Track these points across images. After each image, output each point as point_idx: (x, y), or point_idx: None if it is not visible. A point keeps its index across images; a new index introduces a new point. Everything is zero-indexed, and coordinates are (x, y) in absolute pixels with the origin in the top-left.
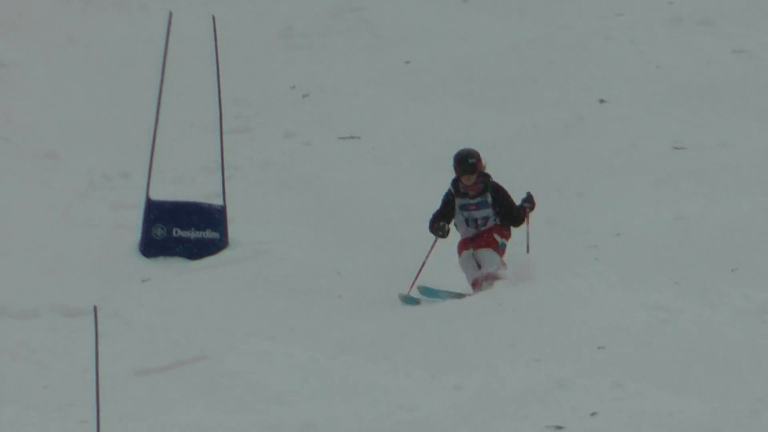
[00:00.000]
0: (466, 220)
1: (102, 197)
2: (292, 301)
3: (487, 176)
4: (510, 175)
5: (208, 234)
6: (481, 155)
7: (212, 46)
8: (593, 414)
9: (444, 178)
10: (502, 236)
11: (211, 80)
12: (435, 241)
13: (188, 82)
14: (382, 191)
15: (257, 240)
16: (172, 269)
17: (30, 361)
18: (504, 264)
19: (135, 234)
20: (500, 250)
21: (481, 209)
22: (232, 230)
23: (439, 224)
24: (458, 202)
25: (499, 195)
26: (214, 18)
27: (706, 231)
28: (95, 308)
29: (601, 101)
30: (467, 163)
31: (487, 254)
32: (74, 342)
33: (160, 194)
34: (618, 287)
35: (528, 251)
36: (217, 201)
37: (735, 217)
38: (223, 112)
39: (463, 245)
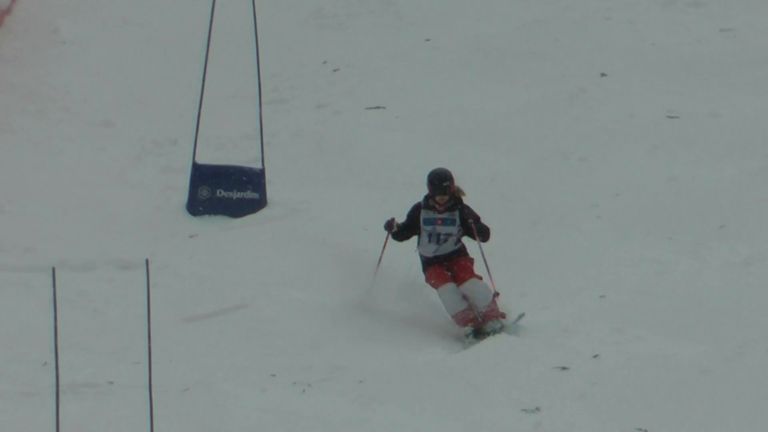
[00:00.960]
0: (429, 235)
1: (153, 162)
2: (323, 255)
3: (458, 199)
4: (519, 142)
5: (249, 194)
6: (454, 177)
7: (252, 26)
8: (595, 356)
9: (459, 144)
10: (471, 263)
11: (251, 56)
12: (387, 237)
13: (230, 58)
14: (405, 155)
15: (293, 200)
16: (216, 226)
17: (88, 309)
18: (495, 290)
19: (182, 194)
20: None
21: (445, 225)
22: (270, 191)
23: (394, 221)
24: (424, 214)
25: (468, 212)
26: (253, 1)
27: (696, 192)
28: (147, 261)
29: (602, 75)
30: (441, 185)
31: (477, 288)
32: (128, 292)
33: (205, 159)
34: (617, 242)
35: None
36: (256, 165)
37: (722, 179)
38: (261, 85)
39: (438, 275)
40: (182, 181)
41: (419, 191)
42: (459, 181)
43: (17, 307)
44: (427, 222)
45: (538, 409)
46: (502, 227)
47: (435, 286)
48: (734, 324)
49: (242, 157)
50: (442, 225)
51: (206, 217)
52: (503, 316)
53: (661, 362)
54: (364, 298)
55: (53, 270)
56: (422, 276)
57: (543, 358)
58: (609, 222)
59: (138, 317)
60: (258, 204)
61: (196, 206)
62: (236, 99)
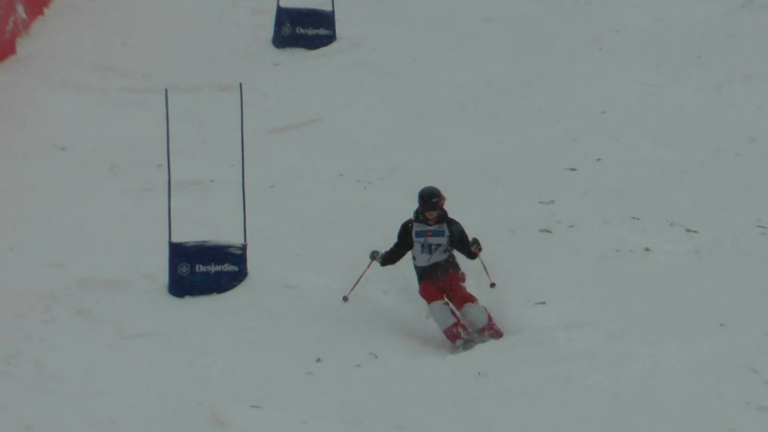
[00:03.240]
0: (422, 246)
1: (245, 5)
2: (381, 79)
3: (444, 212)
4: None
5: (322, 32)
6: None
7: None
8: (598, 159)
9: None
10: (462, 280)
11: None
12: (368, 266)
13: None
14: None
15: (357, 35)
16: (296, 56)
17: (194, 122)
18: (488, 312)
19: (269, 32)
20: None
21: (435, 236)
22: (339, 28)
23: (377, 253)
24: (416, 227)
25: (455, 228)
26: None
27: (679, 28)
28: (240, 85)
29: None
30: (431, 201)
31: (472, 312)
32: (225, 109)
33: (287, 4)
34: (615, 69)
35: (493, 286)
36: (327, 9)
37: (699, 18)
38: None
39: (431, 292)
40: (269, 21)
41: (459, 28)
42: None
43: (137, 121)
44: (419, 234)
45: (552, 201)
46: (522, 54)
47: (427, 301)
48: (709, 135)
49: (315, 2)
50: (433, 236)
51: (288, 49)
52: (500, 334)
53: (650, 164)
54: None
55: (166, 91)
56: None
57: (556, 161)
58: (609, 53)
59: (233, 129)
60: (330, 39)
61: (281, 40)
62: None
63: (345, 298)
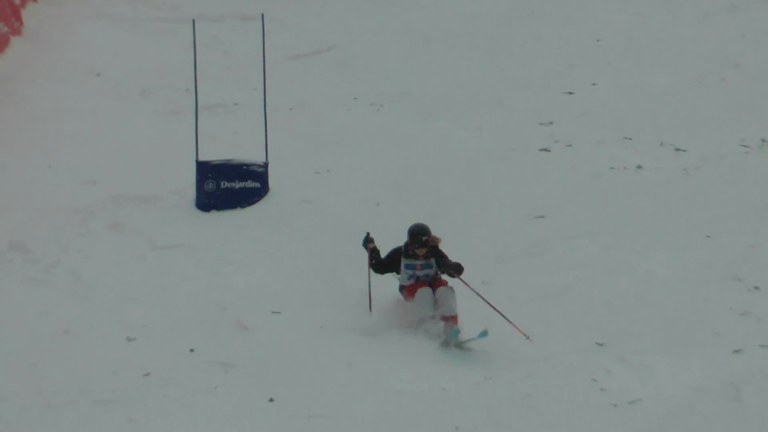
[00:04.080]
0: (409, 276)
1: None
2: (392, 10)
3: (435, 248)
4: None
5: None
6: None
7: None
8: (593, 84)
9: None
10: (444, 283)
11: None
12: (369, 258)
13: None
14: None
15: None
16: None
17: (218, 50)
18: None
19: None
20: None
21: (424, 269)
22: None
23: (370, 239)
24: (405, 260)
25: (441, 256)
26: None
27: None
28: (262, 15)
29: None
30: (420, 239)
31: (447, 294)
32: (248, 37)
33: None
34: (610, 0)
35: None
36: None
37: None
38: None
39: (412, 289)
40: None
41: None
42: None
43: (166, 48)
44: (408, 267)
45: (551, 122)
46: None
47: (408, 294)
48: (696, 60)
49: None
50: (422, 269)
51: None
52: (455, 320)
53: (641, 88)
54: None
55: (193, 21)
56: None
57: (554, 86)
58: None
59: (255, 56)
60: None
61: None
62: None
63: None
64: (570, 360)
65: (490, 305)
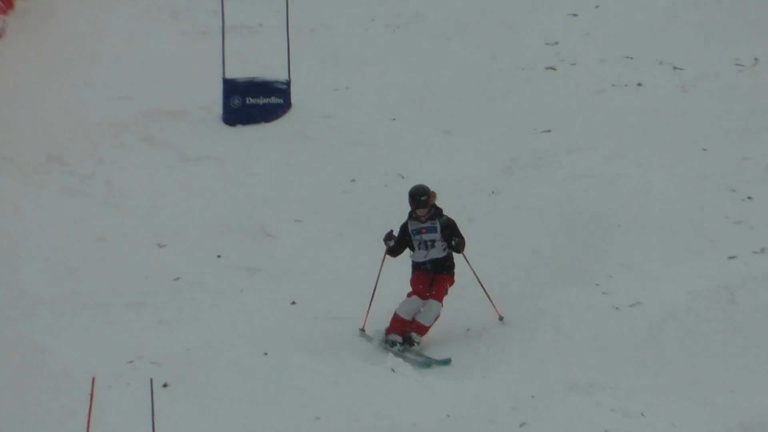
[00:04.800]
0: (419, 243)
1: None
2: None
3: (439, 209)
4: None
5: None
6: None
7: None
8: (597, 6)
9: None
10: (450, 284)
11: None
12: (385, 255)
13: None
14: None
15: None
16: None
17: None
18: (436, 318)
19: None
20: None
21: (429, 233)
22: None
23: (392, 233)
24: (411, 225)
25: (442, 220)
26: None
27: None
28: None
29: None
30: (420, 199)
31: (432, 307)
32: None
33: None
34: None
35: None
36: None
37: None
38: None
39: (416, 287)
40: None
41: None
42: None
43: None
44: (415, 232)
45: (556, 42)
46: None
47: (409, 294)
48: None
49: None
50: (427, 233)
51: None
52: (422, 330)
53: (642, 9)
54: None
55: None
56: None
57: (559, 7)
58: None
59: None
60: None
61: None
62: None
63: (362, 330)
64: (575, 267)
65: (480, 283)
